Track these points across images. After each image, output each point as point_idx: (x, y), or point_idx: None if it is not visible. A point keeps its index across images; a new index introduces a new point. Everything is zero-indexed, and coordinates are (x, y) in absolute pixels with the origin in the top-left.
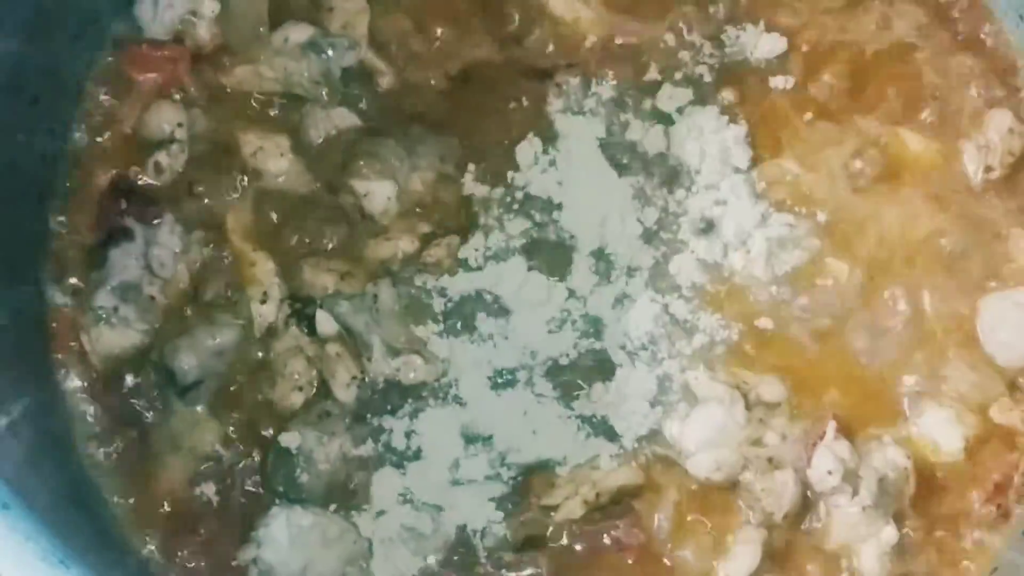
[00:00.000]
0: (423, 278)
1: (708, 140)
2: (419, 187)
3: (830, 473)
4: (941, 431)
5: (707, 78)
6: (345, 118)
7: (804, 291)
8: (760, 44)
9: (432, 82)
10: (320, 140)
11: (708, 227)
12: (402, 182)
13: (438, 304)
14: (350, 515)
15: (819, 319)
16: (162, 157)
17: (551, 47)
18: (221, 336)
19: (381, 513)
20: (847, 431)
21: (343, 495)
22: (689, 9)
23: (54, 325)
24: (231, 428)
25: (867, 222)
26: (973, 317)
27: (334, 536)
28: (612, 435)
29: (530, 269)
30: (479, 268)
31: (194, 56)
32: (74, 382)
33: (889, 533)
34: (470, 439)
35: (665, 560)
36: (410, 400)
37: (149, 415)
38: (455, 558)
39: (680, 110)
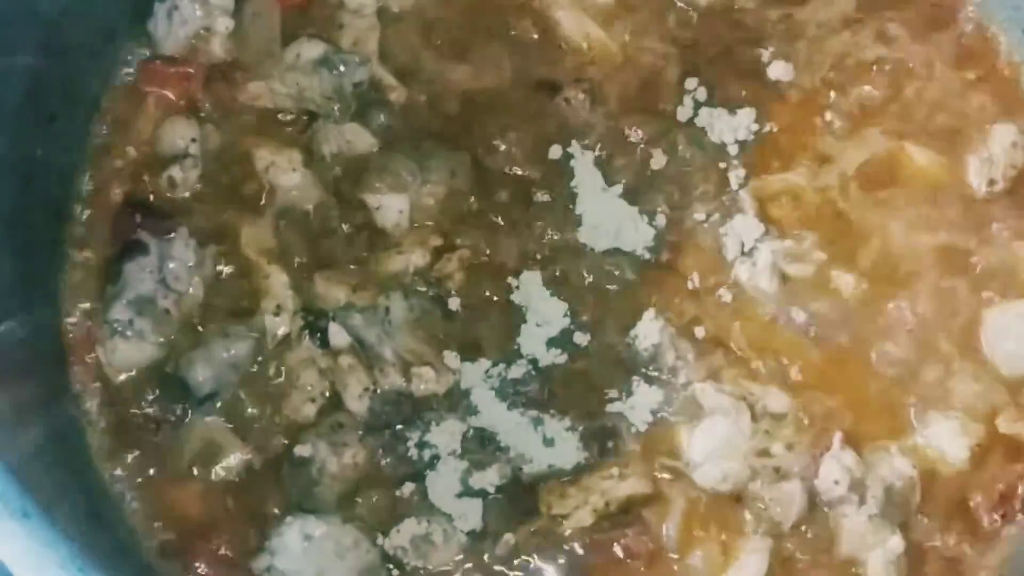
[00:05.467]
0: (434, 291)
1: (714, 153)
2: (430, 201)
3: (837, 483)
4: (947, 441)
5: (715, 93)
6: (357, 133)
7: (809, 303)
8: (772, 67)
9: (442, 97)
10: (332, 155)
11: (715, 240)
12: (414, 196)
13: (449, 316)
14: (363, 525)
15: (824, 330)
16: (176, 172)
17: (560, 63)
18: (235, 348)
19: (394, 523)
20: (853, 441)
21: (356, 505)
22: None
23: (70, 338)
24: (245, 439)
25: (872, 234)
26: (978, 328)
27: (348, 546)
28: (620, 445)
29: (541, 279)
30: (489, 279)
31: (208, 72)
32: (90, 394)
33: (896, 542)
34: (481, 449)
35: (674, 568)
36: (422, 411)
37: (164, 427)
38: (467, 567)
39: (689, 121)
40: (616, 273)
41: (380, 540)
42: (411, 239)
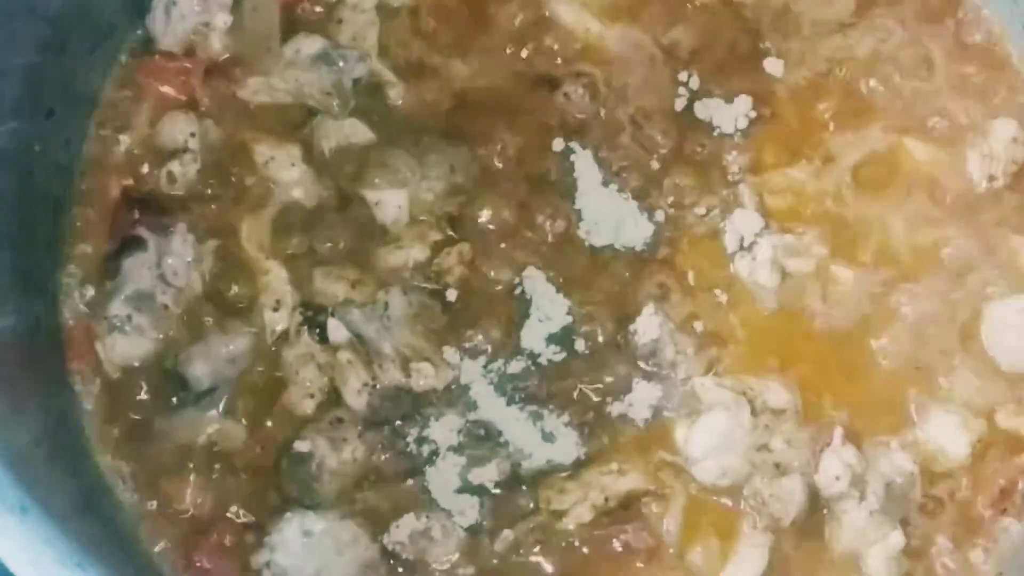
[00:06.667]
0: (433, 286)
1: (715, 148)
2: (430, 196)
3: (837, 478)
4: (947, 437)
5: (716, 87)
6: (356, 128)
7: (810, 298)
8: (772, 61)
9: (441, 92)
10: (331, 150)
11: (714, 235)
12: (413, 191)
13: (448, 311)
14: (362, 521)
15: (824, 326)
16: (175, 167)
17: (559, 58)
18: (234, 344)
19: (393, 518)
20: (854, 437)
21: (355, 501)
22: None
23: (68, 333)
24: (244, 434)
25: (872, 230)
26: (978, 323)
27: (346, 541)
28: (620, 441)
29: (541, 275)
30: (489, 276)
31: (206, 68)
32: (89, 390)
33: (896, 538)
34: (480, 445)
35: (673, 564)
36: (421, 406)
37: (163, 422)
38: (466, 563)
39: (689, 114)
40: (616, 268)
41: (379, 536)
42: (410, 234)
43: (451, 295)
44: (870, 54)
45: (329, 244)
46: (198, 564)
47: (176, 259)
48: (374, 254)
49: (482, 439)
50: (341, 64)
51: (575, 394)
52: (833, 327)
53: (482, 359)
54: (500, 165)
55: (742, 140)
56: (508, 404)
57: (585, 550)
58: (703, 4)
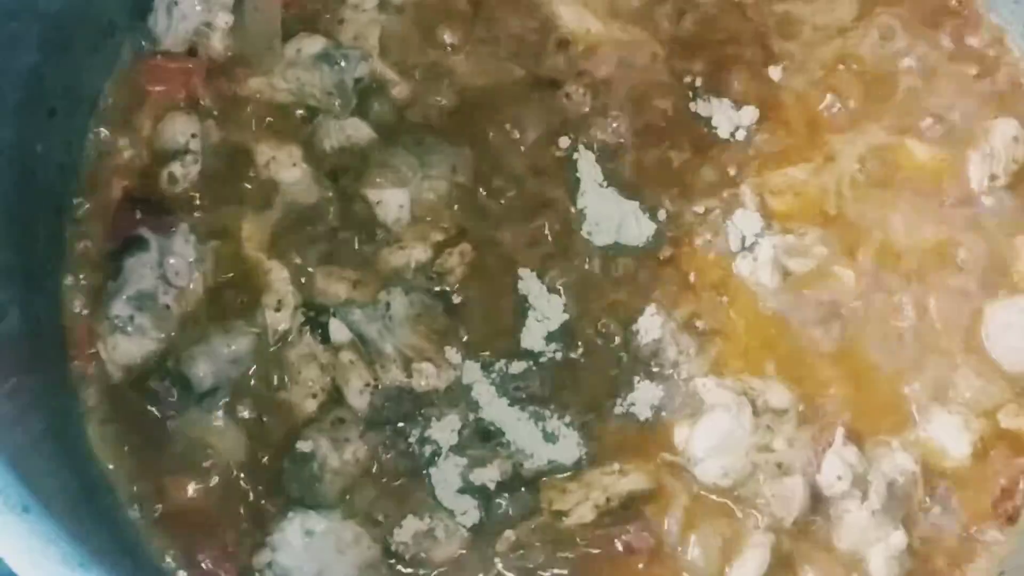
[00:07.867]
0: (435, 286)
1: (716, 147)
2: (431, 196)
3: (839, 478)
4: (949, 436)
5: (716, 87)
6: (358, 128)
7: (811, 298)
8: (774, 61)
9: (443, 92)
10: (333, 150)
11: (716, 235)
12: (414, 191)
13: (450, 311)
14: (364, 521)
15: (826, 326)
16: (176, 168)
17: (561, 58)
18: (236, 344)
19: (395, 519)
20: (856, 437)
21: (357, 501)
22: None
23: (70, 333)
24: (246, 434)
25: (873, 230)
26: (979, 323)
27: (348, 542)
28: (622, 441)
29: (543, 275)
30: (490, 275)
31: (208, 68)
32: (91, 390)
33: (898, 538)
34: (482, 445)
35: (675, 564)
36: (423, 407)
37: (165, 422)
38: (469, 563)
39: (691, 115)
40: (617, 268)
41: (381, 536)
42: (412, 234)
43: (453, 295)
44: (871, 55)
45: (331, 244)
46: (200, 564)
47: (178, 259)
48: (376, 254)
49: (484, 439)
50: (343, 64)
51: (577, 394)
52: (835, 327)
53: (483, 359)
54: (502, 164)
55: (743, 140)
56: (510, 404)
57: (587, 550)
58: (705, 5)
